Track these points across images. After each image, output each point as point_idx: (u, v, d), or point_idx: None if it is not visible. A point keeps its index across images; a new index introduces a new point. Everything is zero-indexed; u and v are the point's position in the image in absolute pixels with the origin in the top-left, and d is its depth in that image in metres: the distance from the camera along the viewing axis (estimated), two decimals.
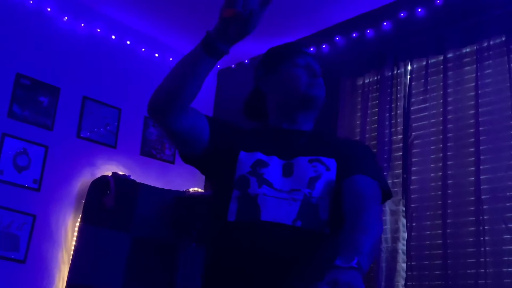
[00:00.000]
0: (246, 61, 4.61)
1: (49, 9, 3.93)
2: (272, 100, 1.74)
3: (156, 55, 4.42)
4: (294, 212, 1.50)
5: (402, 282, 3.09)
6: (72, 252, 3.65)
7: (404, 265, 3.12)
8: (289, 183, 1.55)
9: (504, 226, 2.81)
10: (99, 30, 4.14)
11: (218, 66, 4.77)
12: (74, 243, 3.69)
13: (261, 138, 1.69)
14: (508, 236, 2.80)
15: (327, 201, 1.53)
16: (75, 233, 3.73)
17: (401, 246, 3.15)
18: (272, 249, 1.46)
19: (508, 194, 2.85)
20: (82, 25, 4.07)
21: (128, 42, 4.28)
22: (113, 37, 4.21)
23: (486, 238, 2.84)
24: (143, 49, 4.36)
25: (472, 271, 2.85)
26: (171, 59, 4.45)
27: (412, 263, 3.09)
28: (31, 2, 3.86)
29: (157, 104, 1.54)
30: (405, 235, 3.16)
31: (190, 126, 1.57)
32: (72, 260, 3.61)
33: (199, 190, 4.05)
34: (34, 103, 3.77)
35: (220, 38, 1.45)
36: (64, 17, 4.00)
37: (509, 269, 2.74)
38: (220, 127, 1.67)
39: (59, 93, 3.89)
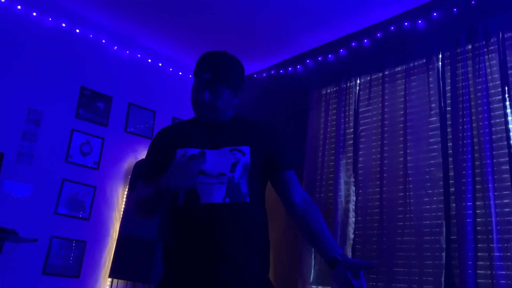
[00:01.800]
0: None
1: (103, 41, 3.97)
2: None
3: (180, 73, 4.45)
4: (223, 192, 1.48)
5: (352, 231, 3.10)
6: (122, 212, 3.72)
7: (353, 219, 3.13)
8: (216, 168, 1.51)
9: (424, 192, 2.82)
10: (139, 56, 4.16)
11: None
12: (123, 206, 3.74)
13: (191, 133, 1.61)
14: (427, 199, 2.79)
15: (245, 178, 1.51)
16: (124, 199, 3.77)
17: (352, 206, 3.17)
18: (211, 222, 1.45)
19: (426, 170, 2.85)
20: (127, 52, 4.09)
21: (160, 64, 4.29)
22: (149, 60, 4.23)
23: (411, 201, 2.85)
24: (171, 69, 4.38)
25: (400, 223, 2.86)
26: (190, 76, 4.51)
27: (359, 218, 3.10)
28: (91, 36, 3.89)
29: (137, 215, 1.60)
30: (354, 198, 3.17)
31: None
32: (122, 218, 3.68)
33: None
34: (94, 108, 3.80)
35: (170, 191, 1.42)
36: (114, 46, 4.02)
37: (426, 222, 2.76)
38: (158, 146, 1.62)
39: (111, 100, 3.92)
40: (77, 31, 3.83)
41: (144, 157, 1.69)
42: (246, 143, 1.57)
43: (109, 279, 3.56)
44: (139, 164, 3.83)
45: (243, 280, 1.45)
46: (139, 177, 1.65)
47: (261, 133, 1.63)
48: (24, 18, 3.57)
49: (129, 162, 3.89)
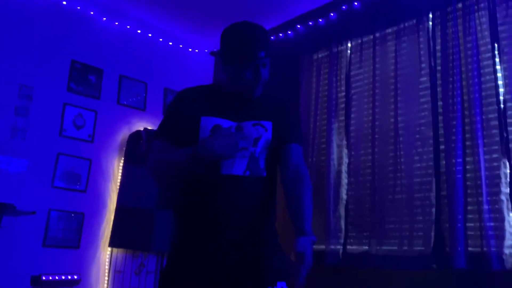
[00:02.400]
0: None
1: (92, 13, 3.91)
2: (227, 78, 1.62)
3: (170, 43, 4.41)
4: (244, 165, 1.51)
5: (345, 191, 3.14)
6: (118, 184, 3.75)
7: (346, 180, 3.16)
8: (240, 142, 1.51)
9: (414, 151, 2.84)
10: (128, 27, 4.11)
11: (214, 50, 4.74)
12: (119, 177, 3.76)
13: (217, 102, 1.59)
14: (417, 158, 2.82)
15: (265, 154, 1.56)
16: (120, 171, 3.80)
17: (344, 167, 3.19)
18: (231, 193, 1.48)
19: (417, 129, 2.87)
20: (116, 23, 4.04)
21: (150, 35, 4.25)
22: (139, 31, 4.18)
23: (402, 160, 2.88)
24: (161, 39, 4.33)
25: (391, 182, 2.90)
26: (181, 45, 4.47)
27: (351, 179, 3.13)
28: (78, 8, 3.83)
29: (157, 179, 1.61)
30: (347, 160, 3.20)
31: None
32: (119, 189, 3.70)
33: None
34: (85, 81, 3.77)
35: (209, 160, 1.45)
36: (103, 18, 3.97)
37: (417, 180, 2.79)
38: (180, 109, 1.59)
39: (102, 73, 3.89)
40: (64, 3, 3.77)
41: (164, 117, 1.64)
42: (269, 119, 1.59)
43: (109, 249, 3.62)
44: (133, 136, 3.83)
45: (256, 246, 1.51)
46: (158, 137, 1.60)
47: (281, 109, 1.65)
48: None
49: (123, 134, 3.90)
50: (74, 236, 3.50)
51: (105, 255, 3.62)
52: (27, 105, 3.45)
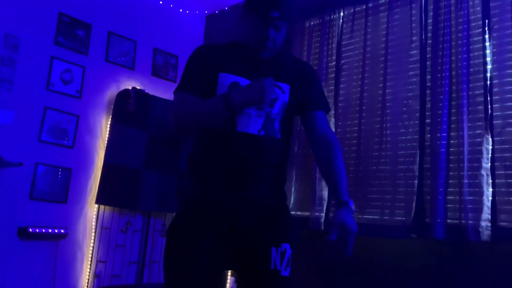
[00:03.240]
0: (226, 8, 4.42)
1: None
2: (243, 33, 1.61)
3: (161, 2, 4.24)
4: (259, 125, 1.50)
5: None
6: (106, 141, 3.66)
7: None
8: (271, 91, 1.49)
9: (401, 123, 2.83)
10: None
11: (206, 12, 4.60)
12: (107, 135, 3.67)
13: (236, 60, 1.57)
14: (403, 130, 2.81)
15: (280, 116, 1.54)
16: (108, 129, 3.70)
17: None
18: (244, 150, 1.48)
19: (404, 102, 2.85)
20: None
21: None
22: None
23: (388, 132, 2.86)
24: None
25: (376, 153, 2.90)
26: (171, 5, 4.31)
27: None
28: None
29: (181, 130, 1.55)
30: (334, 129, 3.16)
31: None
32: (106, 147, 3.62)
33: None
34: (73, 35, 3.61)
35: (240, 106, 1.45)
36: None
37: (401, 152, 2.79)
38: (199, 64, 1.57)
39: (91, 28, 3.72)
40: None
41: (185, 70, 1.60)
42: (287, 81, 1.57)
43: (96, 205, 3.58)
44: (121, 94, 3.74)
45: (266, 205, 1.53)
46: (181, 89, 1.57)
47: (301, 72, 1.64)
48: None
49: (111, 91, 3.78)
50: (61, 191, 3.44)
51: (92, 211, 3.59)
52: (13, 56, 3.29)
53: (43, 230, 3.28)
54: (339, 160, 1.59)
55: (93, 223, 3.56)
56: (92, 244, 3.52)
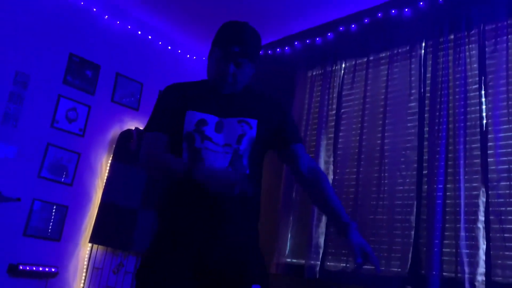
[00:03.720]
0: None
1: (94, 9, 3.90)
2: (208, 69, 1.62)
3: (169, 47, 4.41)
4: (226, 161, 1.48)
5: None
6: (105, 180, 3.69)
7: None
8: (223, 138, 1.50)
9: (398, 173, 2.86)
10: (129, 27, 4.11)
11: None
12: (106, 174, 3.71)
13: (203, 98, 1.57)
14: (401, 180, 2.83)
15: (248, 151, 1.53)
16: (108, 167, 3.75)
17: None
18: (212, 187, 1.41)
19: (402, 152, 2.89)
20: (118, 22, 4.04)
21: (150, 37, 4.24)
22: (139, 32, 4.18)
23: (386, 181, 2.89)
24: (160, 43, 4.33)
25: (373, 202, 2.91)
26: (179, 51, 4.47)
27: None
28: (82, 3, 3.82)
29: (146, 171, 1.61)
30: (332, 176, 3.20)
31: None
32: (105, 185, 3.65)
33: None
34: (82, 75, 3.74)
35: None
36: (105, 16, 3.96)
37: (398, 202, 2.81)
38: (168, 102, 1.58)
39: (99, 69, 3.86)
40: None
41: (153, 111, 1.64)
42: (254, 116, 1.56)
43: (89, 244, 3.56)
44: (124, 134, 3.81)
45: (236, 246, 1.48)
46: (149, 129, 1.58)
47: (269, 107, 1.62)
48: None
49: (115, 131, 3.86)
50: (56, 228, 3.44)
51: (85, 251, 3.56)
52: (22, 92, 3.40)
53: (34, 268, 3.24)
54: (331, 189, 1.62)
55: (85, 263, 3.52)
56: (82, 285, 3.47)
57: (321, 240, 3.05)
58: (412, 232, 2.66)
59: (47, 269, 3.30)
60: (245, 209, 1.53)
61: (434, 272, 2.43)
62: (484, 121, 2.63)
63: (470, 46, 2.82)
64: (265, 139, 1.59)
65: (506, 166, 2.45)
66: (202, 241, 1.45)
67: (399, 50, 3.18)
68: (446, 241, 2.52)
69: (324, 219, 3.11)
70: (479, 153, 2.57)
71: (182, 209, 1.49)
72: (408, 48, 3.13)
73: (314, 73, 3.69)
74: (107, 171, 3.72)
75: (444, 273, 2.45)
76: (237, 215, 1.50)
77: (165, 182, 1.57)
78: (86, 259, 3.54)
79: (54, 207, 3.45)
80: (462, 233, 2.43)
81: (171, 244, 1.47)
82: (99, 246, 3.57)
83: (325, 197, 1.58)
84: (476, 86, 2.73)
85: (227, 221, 1.47)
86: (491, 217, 2.41)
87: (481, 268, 2.32)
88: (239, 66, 1.52)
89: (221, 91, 1.57)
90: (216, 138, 1.50)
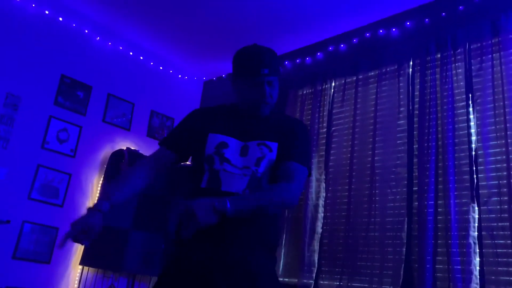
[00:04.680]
0: (224, 75, 4.66)
1: (86, 31, 3.95)
2: (236, 97, 1.65)
3: (161, 68, 4.46)
4: (244, 184, 1.49)
5: (320, 225, 3.13)
6: (96, 201, 3.67)
7: (322, 214, 3.16)
8: (242, 161, 1.52)
9: (389, 190, 2.89)
10: (121, 48, 4.16)
11: (204, 78, 4.81)
12: (97, 195, 3.70)
13: (225, 121, 1.61)
14: (392, 197, 2.86)
15: (267, 174, 1.53)
16: (99, 188, 3.74)
17: (321, 201, 3.20)
18: None
19: (392, 169, 2.92)
20: (110, 43, 4.08)
21: (141, 58, 4.29)
22: (131, 53, 4.22)
23: (377, 198, 2.92)
24: (152, 63, 4.37)
25: (365, 219, 2.93)
26: (171, 71, 4.52)
27: (327, 213, 3.15)
28: (74, 25, 3.86)
29: None
30: (324, 194, 3.22)
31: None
32: None
33: (188, 163, 4.08)
34: (73, 96, 3.76)
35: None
36: (97, 37, 4.01)
37: (389, 219, 2.82)
38: (190, 124, 1.65)
39: (91, 90, 3.89)
40: (60, 19, 3.80)
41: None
42: (275, 140, 1.57)
43: (80, 266, 3.52)
44: (115, 154, 3.81)
45: (252, 273, 1.45)
46: (161, 144, 1.66)
47: (290, 130, 1.61)
48: (7, 3, 3.53)
49: (106, 151, 3.87)
50: (46, 251, 3.40)
51: (75, 273, 3.52)
52: (12, 114, 3.41)
53: None
54: (265, 192, 1.50)
55: (76, 285, 3.48)
56: None
57: (315, 258, 3.05)
58: (404, 249, 2.68)
59: None
60: (260, 232, 1.50)
61: None
62: (473, 138, 2.67)
63: (456, 64, 2.89)
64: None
65: (496, 182, 2.48)
66: (215, 264, 1.44)
67: (388, 69, 3.25)
68: (438, 258, 2.53)
69: (316, 236, 3.11)
70: (468, 169, 2.61)
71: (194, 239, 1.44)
72: (396, 67, 3.20)
73: (304, 92, 3.74)
74: (98, 191, 3.70)
75: None
76: (252, 239, 1.47)
77: (188, 197, 1.54)
78: (76, 281, 3.50)
79: (44, 229, 3.42)
80: (454, 249, 2.45)
81: (182, 266, 1.48)
82: (90, 268, 3.53)
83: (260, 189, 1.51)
84: (464, 103, 2.79)
85: (243, 244, 1.46)
86: (483, 233, 2.43)
87: (474, 284, 2.33)
88: (271, 85, 1.56)
89: (261, 115, 1.60)
90: (235, 160, 1.52)
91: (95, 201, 1.46)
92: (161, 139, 1.71)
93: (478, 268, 2.37)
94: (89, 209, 1.52)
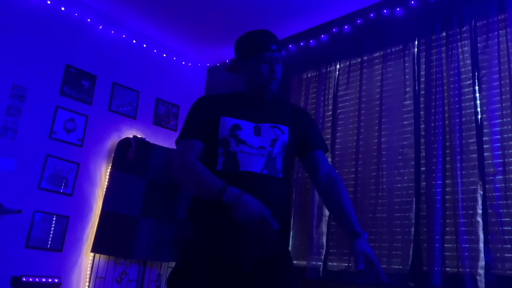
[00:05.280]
0: (227, 61, 4.64)
1: (89, 20, 3.93)
2: (243, 79, 1.69)
3: (164, 55, 4.44)
4: (261, 164, 1.53)
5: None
6: (105, 189, 3.72)
7: None
8: (258, 141, 1.55)
9: (396, 171, 2.88)
10: (124, 36, 4.15)
11: (208, 64, 4.80)
12: (106, 183, 3.73)
13: (236, 105, 1.64)
14: (399, 178, 2.86)
15: (282, 155, 1.59)
16: (107, 176, 3.77)
17: None
18: (249, 189, 1.45)
19: (399, 150, 2.92)
20: (112, 32, 4.07)
21: (145, 45, 4.28)
22: (134, 41, 4.21)
23: (384, 179, 2.91)
24: (155, 51, 4.37)
25: (373, 201, 2.93)
26: (174, 58, 4.51)
27: None
28: (76, 14, 3.86)
29: (177, 179, 1.59)
30: None
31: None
32: (105, 194, 3.67)
33: None
34: (78, 86, 3.77)
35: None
36: (100, 26, 4.00)
37: (397, 199, 2.83)
38: (202, 111, 1.64)
39: (96, 79, 3.90)
40: (62, 8, 3.78)
41: (187, 118, 1.67)
42: (286, 123, 1.64)
43: (91, 254, 3.57)
44: (122, 143, 3.83)
45: (269, 249, 1.51)
46: (182, 137, 1.62)
47: (297, 116, 1.71)
48: None
49: (113, 140, 3.88)
50: (58, 239, 3.45)
51: (87, 260, 3.57)
52: (19, 105, 3.43)
53: (37, 280, 3.25)
54: (347, 196, 1.62)
55: (88, 273, 3.54)
56: None
57: (323, 240, 3.07)
58: (412, 229, 2.68)
59: (50, 280, 3.30)
60: (278, 211, 1.53)
61: (436, 268, 2.45)
62: (479, 116, 2.66)
63: (462, 42, 2.85)
64: (294, 145, 1.66)
65: (502, 160, 2.48)
66: (235, 242, 1.48)
67: (392, 49, 3.22)
68: (446, 237, 2.54)
69: (324, 219, 3.13)
70: (475, 147, 2.60)
71: (214, 214, 1.49)
72: (401, 47, 3.17)
73: (309, 75, 3.72)
74: (107, 180, 3.73)
75: (447, 268, 2.47)
76: (273, 217, 1.49)
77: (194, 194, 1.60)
78: (88, 268, 3.55)
79: (55, 218, 3.46)
80: (462, 228, 2.45)
81: (204, 254, 1.49)
82: (102, 255, 3.58)
83: (339, 206, 1.59)
84: (470, 81, 2.76)
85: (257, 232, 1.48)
86: (489, 211, 2.43)
87: (482, 262, 2.34)
88: (278, 62, 1.64)
89: (268, 92, 1.65)
90: (251, 140, 1.56)
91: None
92: (184, 133, 1.63)
93: (484, 246, 2.37)
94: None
